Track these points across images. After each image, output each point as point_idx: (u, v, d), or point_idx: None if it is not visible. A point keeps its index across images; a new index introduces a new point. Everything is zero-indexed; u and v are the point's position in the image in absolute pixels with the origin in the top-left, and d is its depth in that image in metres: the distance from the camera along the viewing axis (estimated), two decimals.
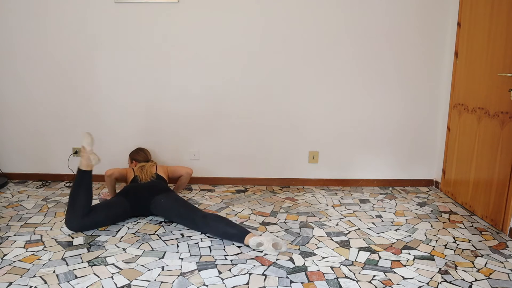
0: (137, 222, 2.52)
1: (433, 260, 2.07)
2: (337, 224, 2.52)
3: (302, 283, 1.84)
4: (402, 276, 1.90)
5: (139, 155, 3.02)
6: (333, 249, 2.17)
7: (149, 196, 2.55)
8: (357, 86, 3.19)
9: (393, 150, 3.30)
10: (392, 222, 2.58)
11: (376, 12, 3.06)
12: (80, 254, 2.08)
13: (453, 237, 2.35)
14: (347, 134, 3.27)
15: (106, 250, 2.13)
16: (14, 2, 3.10)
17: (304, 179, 3.34)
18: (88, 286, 1.78)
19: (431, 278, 1.89)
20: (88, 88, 3.24)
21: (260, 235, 2.33)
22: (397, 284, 1.84)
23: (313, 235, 2.35)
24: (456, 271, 1.96)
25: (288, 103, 3.22)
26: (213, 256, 2.08)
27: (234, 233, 2.19)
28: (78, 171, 2.37)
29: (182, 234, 2.34)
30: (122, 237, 2.30)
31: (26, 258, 2.03)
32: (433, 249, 2.19)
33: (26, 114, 3.30)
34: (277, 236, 2.32)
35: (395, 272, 1.94)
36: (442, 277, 1.90)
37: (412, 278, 1.89)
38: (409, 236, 2.36)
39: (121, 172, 2.86)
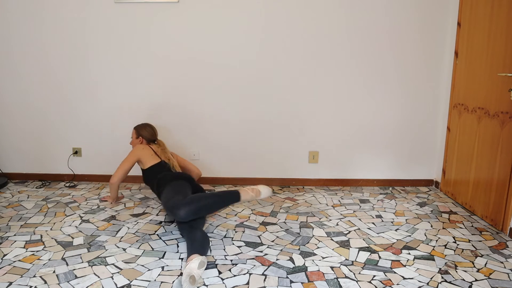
0: (137, 222, 2.52)
1: (433, 260, 2.07)
2: (337, 224, 2.52)
3: (302, 283, 1.84)
4: (402, 276, 1.90)
5: (146, 131, 2.89)
6: (333, 249, 2.17)
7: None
8: (357, 86, 3.19)
9: (393, 150, 3.30)
10: (392, 222, 2.58)
11: (376, 12, 3.06)
12: (80, 254, 2.08)
13: (453, 237, 2.35)
14: (347, 134, 3.27)
15: (106, 250, 2.13)
16: (14, 2, 3.10)
17: (304, 179, 3.34)
18: (88, 286, 1.78)
19: (431, 278, 1.89)
20: (89, 88, 3.24)
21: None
22: (397, 284, 1.83)
23: (313, 235, 2.35)
24: (456, 271, 1.96)
25: (288, 103, 3.22)
26: (213, 256, 2.08)
27: (196, 239, 2.03)
28: (236, 195, 2.31)
29: (182, 234, 2.34)
30: (122, 237, 2.30)
31: (26, 258, 2.03)
32: (433, 249, 2.19)
33: (26, 114, 3.30)
34: (282, 237, 2.32)
35: (395, 272, 1.94)
36: (442, 277, 1.90)
37: (412, 278, 1.89)
38: (409, 236, 2.36)
39: (130, 166, 2.71)
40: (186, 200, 2.19)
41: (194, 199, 2.20)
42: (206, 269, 1.94)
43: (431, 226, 2.51)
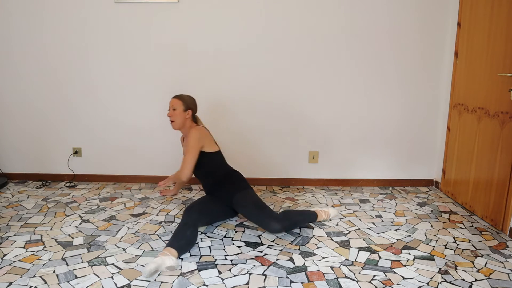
0: (137, 222, 2.52)
1: (433, 260, 2.07)
2: (337, 224, 2.52)
3: (302, 283, 1.84)
4: (402, 276, 1.90)
5: (195, 104, 2.52)
6: (333, 249, 2.17)
7: None
8: (357, 86, 3.18)
9: (393, 150, 3.30)
10: (392, 222, 2.58)
11: (376, 12, 3.06)
12: (80, 254, 2.08)
13: (453, 237, 2.35)
14: (347, 134, 3.27)
15: (106, 250, 2.13)
16: (14, 2, 3.10)
17: (304, 179, 3.34)
18: (88, 286, 1.78)
19: (431, 278, 1.89)
20: (89, 88, 3.24)
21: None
22: (397, 284, 1.83)
23: (313, 235, 2.35)
24: (456, 271, 1.96)
25: (288, 103, 3.21)
26: (213, 256, 2.08)
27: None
28: (314, 216, 2.48)
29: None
30: (122, 237, 2.30)
31: (26, 258, 2.03)
32: (433, 249, 2.19)
33: (26, 114, 3.30)
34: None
35: (395, 272, 1.94)
36: (442, 277, 1.90)
37: (412, 278, 1.89)
38: (409, 236, 2.36)
39: (198, 155, 2.42)
40: (281, 215, 2.31)
41: (288, 216, 2.33)
42: (206, 269, 1.94)
43: (431, 226, 2.51)
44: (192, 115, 2.56)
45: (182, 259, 2.04)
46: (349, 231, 2.41)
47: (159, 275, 1.88)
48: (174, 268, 1.92)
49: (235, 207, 2.41)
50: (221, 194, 2.49)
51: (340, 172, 3.34)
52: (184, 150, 2.60)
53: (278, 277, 1.88)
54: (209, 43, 3.12)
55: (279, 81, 3.18)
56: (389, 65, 3.15)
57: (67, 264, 1.97)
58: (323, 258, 2.08)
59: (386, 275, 1.91)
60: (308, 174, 3.34)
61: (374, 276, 1.90)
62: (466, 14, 2.83)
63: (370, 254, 2.12)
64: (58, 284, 1.80)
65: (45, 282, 1.81)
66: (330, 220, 2.60)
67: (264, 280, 1.86)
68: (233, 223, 2.53)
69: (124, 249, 2.14)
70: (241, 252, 2.13)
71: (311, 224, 2.51)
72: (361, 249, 2.18)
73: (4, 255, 2.06)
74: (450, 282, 1.86)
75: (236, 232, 2.39)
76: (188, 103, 2.50)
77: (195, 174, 2.59)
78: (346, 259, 2.06)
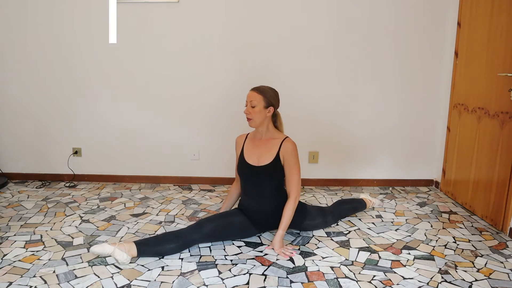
0: (137, 222, 2.52)
1: (433, 260, 2.07)
2: (337, 224, 2.52)
3: (302, 283, 1.84)
4: (402, 276, 1.90)
5: (278, 102, 2.19)
6: (333, 249, 2.17)
7: None
8: (357, 86, 3.18)
9: (393, 150, 3.30)
10: (392, 222, 2.58)
11: (376, 12, 3.05)
12: (80, 254, 2.08)
13: (453, 237, 2.35)
14: (347, 134, 3.26)
15: None
16: (15, 2, 3.09)
17: (304, 179, 3.34)
18: (88, 286, 1.78)
19: (431, 278, 1.89)
20: (88, 88, 3.24)
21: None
22: (397, 284, 1.83)
23: (313, 235, 2.35)
24: (456, 271, 1.96)
25: (287, 103, 3.20)
26: (213, 256, 2.08)
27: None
28: (364, 204, 2.68)
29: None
30: (122, 237, 2.30)
31: (26, 258, 2.03)
32: (433, 249, 2.19)
33: (26, 114, 3.30)
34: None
35: (395, 272, 1.94)
36: (442, 277, 1.90)
37: (412, 278, 1.89)
38: (409, 236, 2.36)
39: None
40: (332, 207, 2.54)
41: (337, 207, 2.55)
42: (206, 269, 1.94)
43: (431, 226, 2.51)
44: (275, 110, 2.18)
45: (182, 259, 2.04)
46: (349, 231, 2.41)
47: (159, 275, 1.88)
48: (120, 261, 1.93)
49: (303, 230, 2.38)
50: (273, 221, 2.21)
51: (340, 172, 3.34)
52: (249, 155, 2.25)
53: (278, 277, 1.88)
54: (210, 43, 3.12)
55: (278, 82, 3.17)
56: (389, 65, 3.14)
57: (67, 264, 1.97)
58: (323, 258, 2.08)
59: (386, 275, 1.91)
60: (308, 174, 3.34)
61: (374, 276, 1.90)
62: (466, 14, 2.83)
63: (370, 254, 2.12)
64: (58, 284, 1.80)
65: (45, 282, 1.81)
66: (373, 209, 2.76)
67: (264, 280, 1.86)
68: None
69: None
70: (241, 252, 2.13)
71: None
72: (361, 249, 2.18)
73: (4, 255, 2.06)
74: (450, 282, 1.86)
75: None
76: (270, 99, 2.12)
77: (250, 192, 2.21)
78: (346, 259, 2.06)
